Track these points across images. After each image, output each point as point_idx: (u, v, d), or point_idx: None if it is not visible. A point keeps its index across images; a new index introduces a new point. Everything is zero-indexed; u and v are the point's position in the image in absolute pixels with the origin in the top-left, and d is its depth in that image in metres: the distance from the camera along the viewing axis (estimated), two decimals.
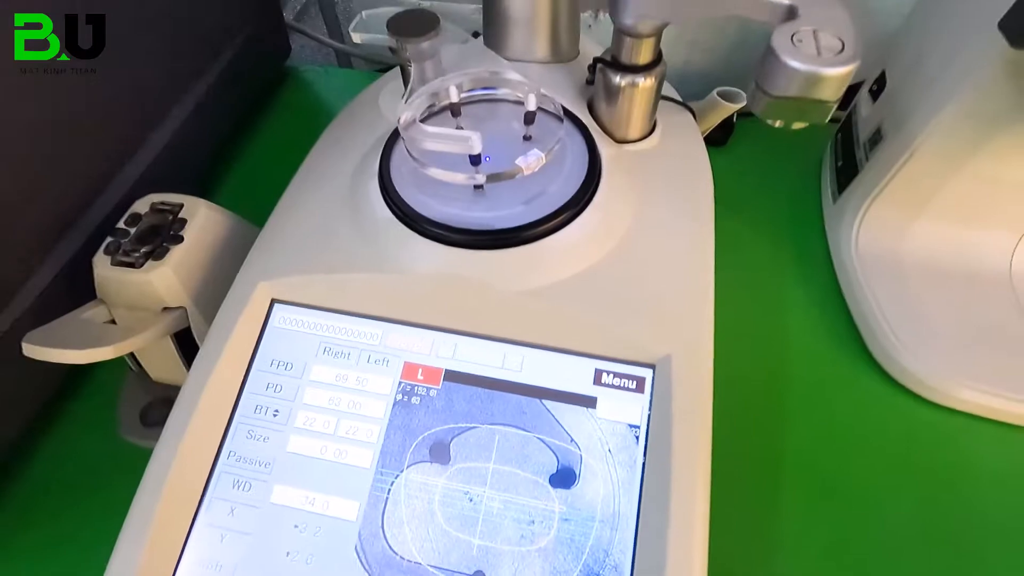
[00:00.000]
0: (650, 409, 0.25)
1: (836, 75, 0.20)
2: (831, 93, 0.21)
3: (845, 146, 0.41)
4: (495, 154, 0.28)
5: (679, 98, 0.37)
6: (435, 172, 0.26)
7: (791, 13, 0.22)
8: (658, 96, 0.30)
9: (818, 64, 0.20)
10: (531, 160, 0.26)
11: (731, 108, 0.36)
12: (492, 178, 0.26)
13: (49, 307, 0.30)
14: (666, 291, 0.27)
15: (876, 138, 0.37)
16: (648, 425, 0.25)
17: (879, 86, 0.38)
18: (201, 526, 0.25)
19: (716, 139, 0.46)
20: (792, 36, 0.21)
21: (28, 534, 0.31)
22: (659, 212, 0.29)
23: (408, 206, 0.27)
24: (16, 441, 0.32)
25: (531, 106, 0.27)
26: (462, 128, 0.29)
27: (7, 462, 0.33)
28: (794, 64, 0.20)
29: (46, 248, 0.32)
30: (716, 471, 0.31)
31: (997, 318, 0.34)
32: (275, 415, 0.26)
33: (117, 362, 0.33)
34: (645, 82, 0.29)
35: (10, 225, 0.29)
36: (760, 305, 0.39)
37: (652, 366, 0.26)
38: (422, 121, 0.28)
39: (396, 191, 0.28)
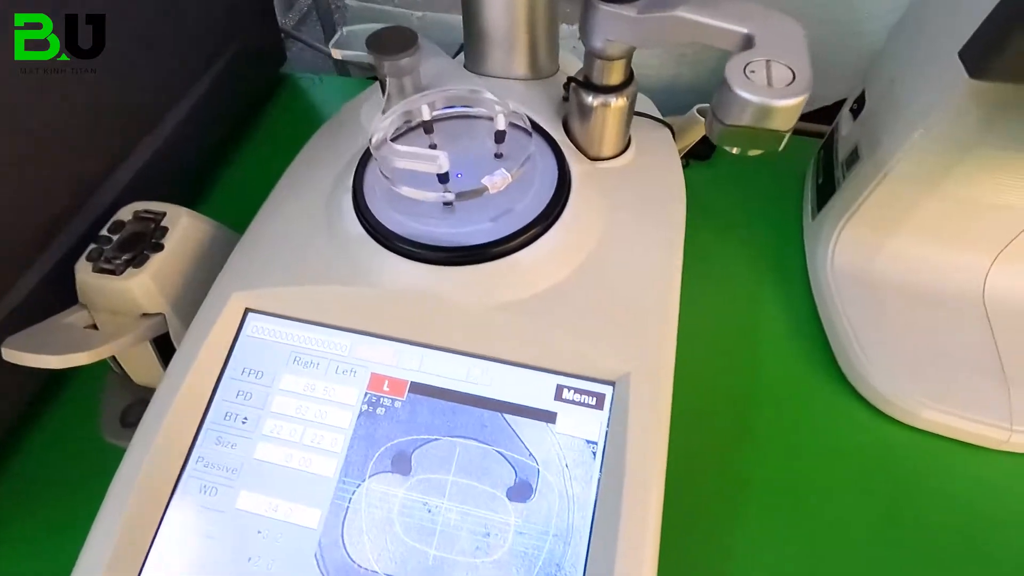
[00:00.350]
0: (608, 426, 0.26)
1: (785, 107, 0.21)
2: (782, 123, 0.21)
3: (826, 164, 0.41)
4: (467, 171, 0.28)
5: (658, 114, 0.37)
6: (405, 190, 0.27)
7: (748, 42, 0.22)
8: (630, 115, 0.31)
9: (768, 96, 0.21)
10: (496, 179, 0.26)
11: (702, 130, 0.36)
12: (461, 196, 0.27)
13: (36, 310, 0.31)
14: (630, 310, 0.27)
15: (853, 158, 0.37)
16: (606, 441, 0.26)
17: (859, 105, 0.38)
18: (168, 528, 0.26)
19: (700, 153, 0.47)
20: (745, 67, 0.21)
21: (7, 529, 0.32)
22: (627, 230, 0.30)
23: (379, 222, 0.28)
24: (1, 437, 0.33)
25: (500, 125, 0.28)
26: (435, 145, 0.30)
27: None
28: (745, 95, 0.21)
29: (34, 252, 0.33)
30: (679, 485, 0.32)
31: (967, 339, 0.34)
32: (244, 422, 0.27)
33: (102, 364, 0.34)
34: (617, 102, 0.30)
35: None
36: (735, 319, 0.39)
37: (612, 383, 0.26)
38: (397, 137, 0.29)
39: (368, 207, 0.28)
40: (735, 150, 0.23)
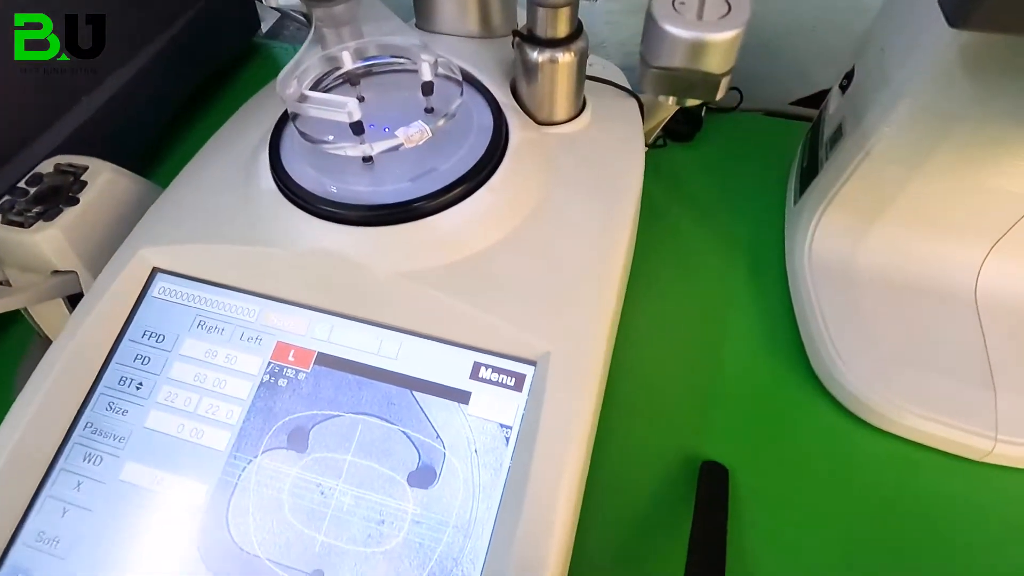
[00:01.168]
0: (525, 410, 0.23)
1: (717, 41, 0.18)
2: (716, 64, 0.19)
3: (812, 146, 0.38)
4: (393, 126, 0.26)
5: (627, 85, 0.34)
6: (313, 140, 0.25)
7: None
8: (580, 73, 0.28)
9: (698, 30, 0.18)
10: (412, 132, 0.24)
11: (675, 107, 0.33)
12: (375, 147, 0.24)
13: None
14: (559, 286, 0.25)
15: (837, 136, 0.34)
16: (521, 427, 0.23)
17: (848, 80, 0.35)
18: (45, 497, 0.24)
19: (681, 133, 0.44)
20: (674, 1, 0.18)
21: None
22: (567, 201, 0.27)
23: (290, 178, 0.26)
24: None
25: (427, 75, 0.25)
26: (363, 99, 0.28)
27: None
28: (672, 30, 0.18)
29: None
30: (633, 484, 0.29)
31: (953, 338, 0.30)
32: (138, 388, 0.25)
33: (28, 328, 0.32)
34: (564, 57, 0.27)
35: None
36: (704, 311, 0.36)
37: (534, 363, 0.24)
38: (318, 90, 0.27)
39: (283, 164, 0.26)
40: (670, 100, 0.20)
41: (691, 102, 0.21)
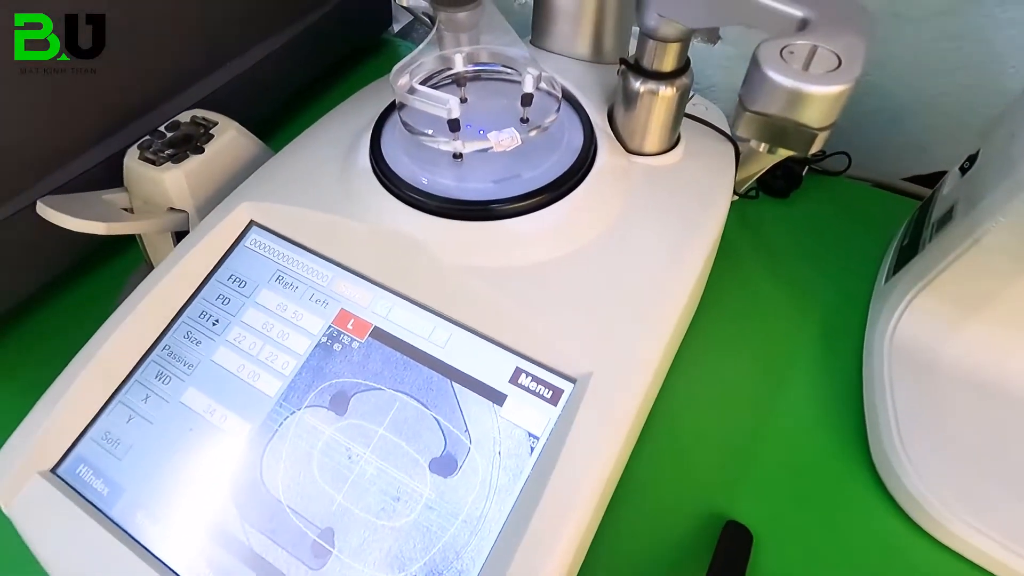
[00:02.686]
0: (555, 424, 0.23)
1: (819, 95, 0.17)
2: (813, 117, 0.18)
3: (917, 224, 0.35)
4: (488, 129, 0.27)
5: (726, 129, 0.34)
6: (413, 131, 0.26)
7: (802, 26, 0.19)
8: (679, 109, 0.28)
9: (800, 80, 0.18)
10: (503, 137, 0.25)
11: (774, 157, 0.33)
12: (467, 146, 0.26)
13: (88, 187, 0.34)
14: (615, 309, 0.25)
15: (946, 218, 0.31)
16: (548, 440, 0.23)
17: (971, 163, 0.33)
18: (117, 402, 0.27)
19: (777, 188, 0.42)
20: (783, 49, 0.18)
21: (14, 379, 0.35)
22: (641, 231, 0.27)
23: (385, 162, 0.27)
24: (34, 293, 0.37)
25: (528, 87, 0.26)
26: (465, 99, 0.29)
27: (19, 310, 0.37)
28: (774, 76, 0.18)
29: (100, 134, 0.36)
30: (646, 524, 0.28)
31: None
32: (214, 324, 0.28)
33: (138, 253, 0.36)
34: (664, 91, 0.27)
35: (78, 99, 0.33)
36: (763, 365, 0.34)
37: (574, 380, 0.24)
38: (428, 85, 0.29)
39: (380, 147, 0.28)
40: (762, 147, 0.20)
41: (783, 153, 0.20)
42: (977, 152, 0.33)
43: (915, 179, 0.46)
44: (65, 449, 0.26)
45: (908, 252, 0.34)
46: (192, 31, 0.39)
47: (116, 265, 0.40)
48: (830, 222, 0.42)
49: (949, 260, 0.29)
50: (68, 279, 0.39)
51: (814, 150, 0.19)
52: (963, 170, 0.34)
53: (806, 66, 0.18)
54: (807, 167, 0.43)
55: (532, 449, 0.23)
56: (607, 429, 0.22)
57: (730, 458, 0.31)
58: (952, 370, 0.31)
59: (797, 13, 0.20)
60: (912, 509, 0.28)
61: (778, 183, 0.42)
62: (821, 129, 0.18)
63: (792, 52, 0.18)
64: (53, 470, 0.25)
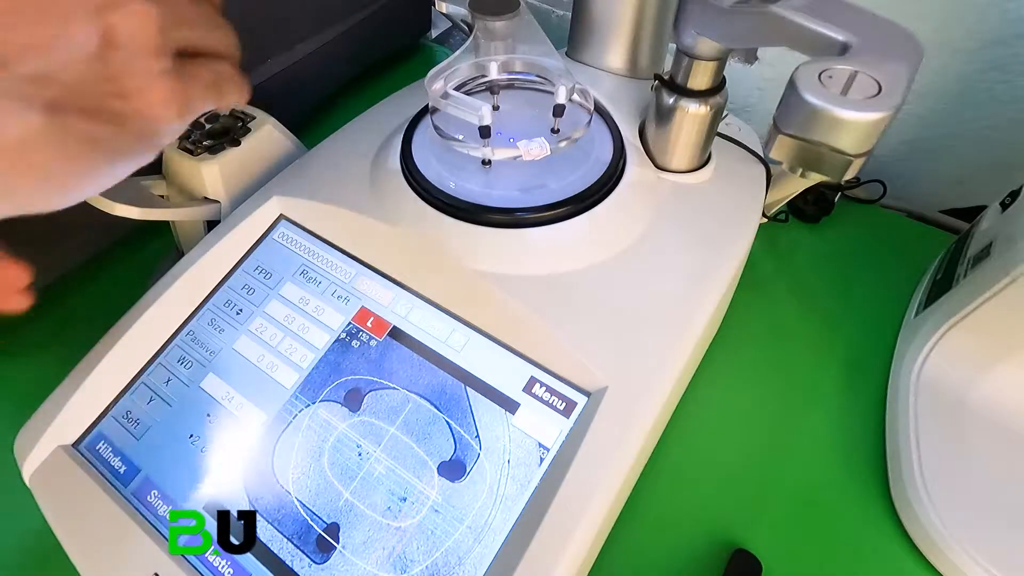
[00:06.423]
0: (567, 437, 0.23)
1: (856, 121, 0.17)
2: (850, 143, 0.18)
3: (952, 258, 0.35)
4: (519, 138, 0.27)
5: (759, 151, 0.34)
6: (444, 136, 0.27)
7: (843, 51, 0.19)
8: (711, 128, 0.28)
9: (837, 104, 0.17)
10: (532, 147, 0.25)
11: (806, 181, 0.32)
12: (496, 153, 0.26)
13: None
14: (634, 325, 0.24)
15: (982, 255, 0.30)
16: (558, 452, 0.23)
17: (1012, 199, 0.32)
18: (140, 384, 0.27)
19: (808, 213, 0.42)
20: (822, 72, 0.18)
21: (56, 349, 0.36)
22: (665, 248, 0.27)
23: (415, 164, 0.28)
24: (70, 270, 0.38)
25: (560, 98, 0.26)
26: (497, 107, 0.29)
27: (57, 286, 0.38)
28: (811, 99, 0.18)
29: None
30: (652, 548, 0.28)
31: None
32: (238, 313, 0.28)
33: (170, 239, 0.37)
34: (697, 109, 0.27)
35: None
36: (782, 394, 0.34)
37: (588, 394, 0.24)
38: (461, 92, 0.29)
39: (411, 150, 0.28)
40: (799, 171, 0.20)
41: (815, 177, 0.20)
42: (1020, 188, 0.32)
43: (952, 212, 0.45)
44: (88, 425, 0.26)
45: (941, 286, 0.33)
46: (237, 26, 0.40)
47: (149, 248, 0.41)
48: (861, 251, 0.41)
49: (984, 297, 0.28)
50: (102, 260, 0.40)
51: (848, 176, 0.19)
52: (1004, 206, 0.33)
53: (844, 91, 0.18)
54: (840, 193, 0.42)
55: (541, 460, 0.23)
56: (619, 445, 0.22)
57: (742, 486, 0.30)
58: (980, 411, 0.30)
59: (839, 37, 0.19)
60: (930, 551, 0.27)
61: (809, 208, 0.42)
62: (856, 156, 0.18)
63: (831, 76, 0.18)
64: (75, 445, 0.26)
